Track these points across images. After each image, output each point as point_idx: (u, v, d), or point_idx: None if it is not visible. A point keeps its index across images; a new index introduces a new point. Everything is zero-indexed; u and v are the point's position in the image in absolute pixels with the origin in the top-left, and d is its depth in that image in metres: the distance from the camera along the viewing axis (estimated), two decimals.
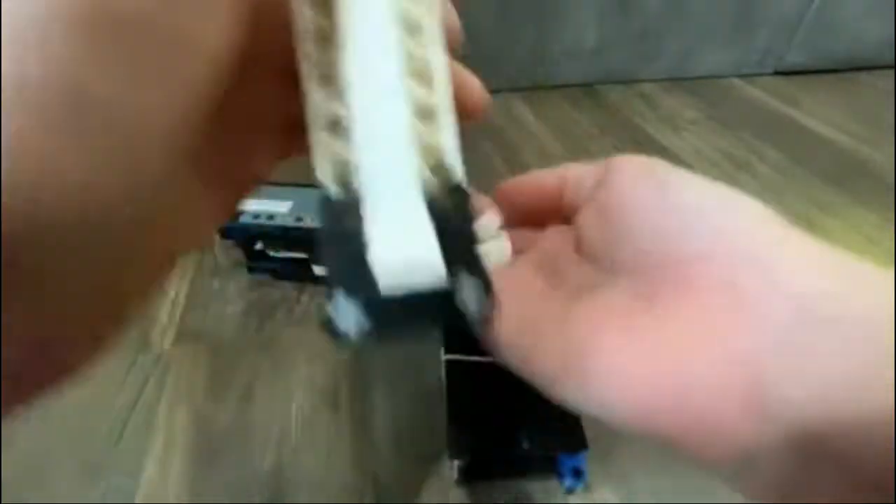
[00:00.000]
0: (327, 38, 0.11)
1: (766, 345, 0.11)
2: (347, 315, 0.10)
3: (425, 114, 0.11)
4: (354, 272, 0.10)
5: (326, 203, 0.11)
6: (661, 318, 0.12)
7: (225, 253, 0.40)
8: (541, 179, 0.18)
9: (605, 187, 0.15)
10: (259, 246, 0.36)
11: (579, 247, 0.16)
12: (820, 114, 0.63)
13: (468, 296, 0.11)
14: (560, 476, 0.25)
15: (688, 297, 0.12)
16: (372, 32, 0.10)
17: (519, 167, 0.52)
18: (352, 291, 0.10)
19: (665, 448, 0.12)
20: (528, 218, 0.18)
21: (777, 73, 0.73)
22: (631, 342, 0.12)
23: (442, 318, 0.11)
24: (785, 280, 0.11)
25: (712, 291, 0.12)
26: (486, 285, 0.11)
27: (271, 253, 0.36)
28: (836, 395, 0.10)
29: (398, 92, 0.10)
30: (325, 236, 0.11)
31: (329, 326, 0.11)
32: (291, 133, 0.12)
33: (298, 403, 0.30)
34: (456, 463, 0.25)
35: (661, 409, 0.12)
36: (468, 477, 0.25)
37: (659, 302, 0.13)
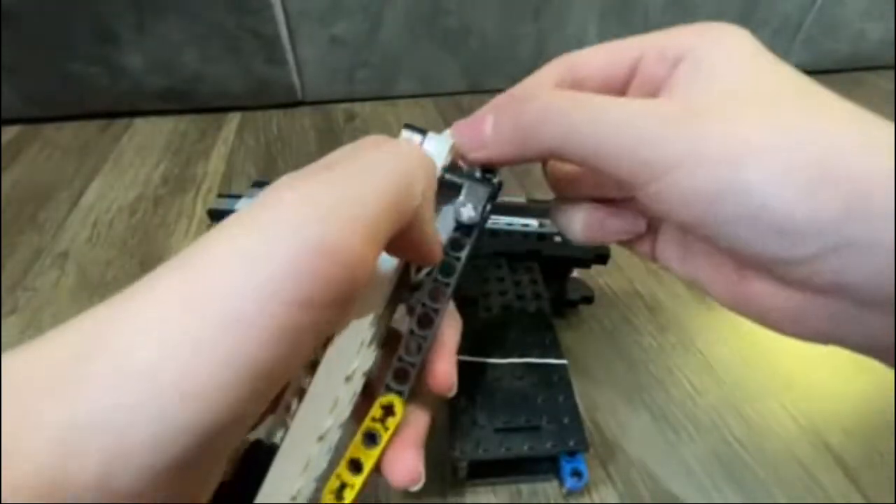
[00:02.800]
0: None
1: None
2: None
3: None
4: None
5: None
6: None
7: None
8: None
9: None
10: None
11: None
12: None
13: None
14: (560, 477, 0.25)
15: None
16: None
17: (521, 166, 0.52)
18: None
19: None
20: None
21: None
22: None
23: None
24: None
25: None
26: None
27: None
28: None
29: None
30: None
31: None
32: None
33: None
34: (456, 463, 0.25)
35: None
36: (468, 477, 0.25)
37: None
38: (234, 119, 0.59)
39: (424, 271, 0.17)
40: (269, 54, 0.57)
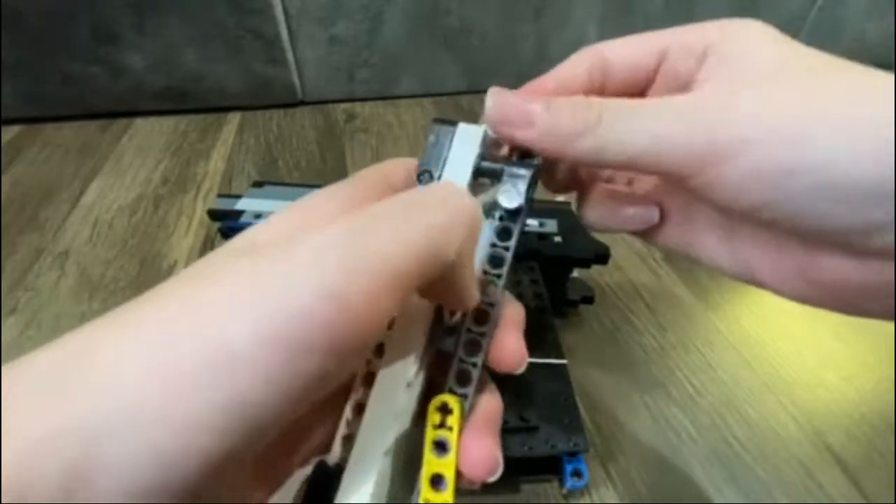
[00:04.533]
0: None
1: None
2: None
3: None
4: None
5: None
6: None
7: None
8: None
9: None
10: None
11: None
12: None
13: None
14: (561, 477, 0.25)
15: None
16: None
17: None
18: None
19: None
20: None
21: None
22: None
23: None
24: None
25: None
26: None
27: None
28: None
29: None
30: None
31: None
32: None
33: None
34: None
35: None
36: None
37: None
38: (234, 119, 0.59)
39: (458, 314, 0.16)
40: (269, 54, 0.57)
